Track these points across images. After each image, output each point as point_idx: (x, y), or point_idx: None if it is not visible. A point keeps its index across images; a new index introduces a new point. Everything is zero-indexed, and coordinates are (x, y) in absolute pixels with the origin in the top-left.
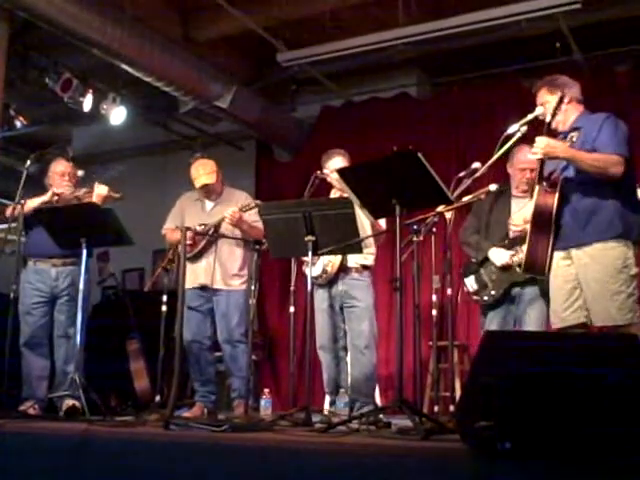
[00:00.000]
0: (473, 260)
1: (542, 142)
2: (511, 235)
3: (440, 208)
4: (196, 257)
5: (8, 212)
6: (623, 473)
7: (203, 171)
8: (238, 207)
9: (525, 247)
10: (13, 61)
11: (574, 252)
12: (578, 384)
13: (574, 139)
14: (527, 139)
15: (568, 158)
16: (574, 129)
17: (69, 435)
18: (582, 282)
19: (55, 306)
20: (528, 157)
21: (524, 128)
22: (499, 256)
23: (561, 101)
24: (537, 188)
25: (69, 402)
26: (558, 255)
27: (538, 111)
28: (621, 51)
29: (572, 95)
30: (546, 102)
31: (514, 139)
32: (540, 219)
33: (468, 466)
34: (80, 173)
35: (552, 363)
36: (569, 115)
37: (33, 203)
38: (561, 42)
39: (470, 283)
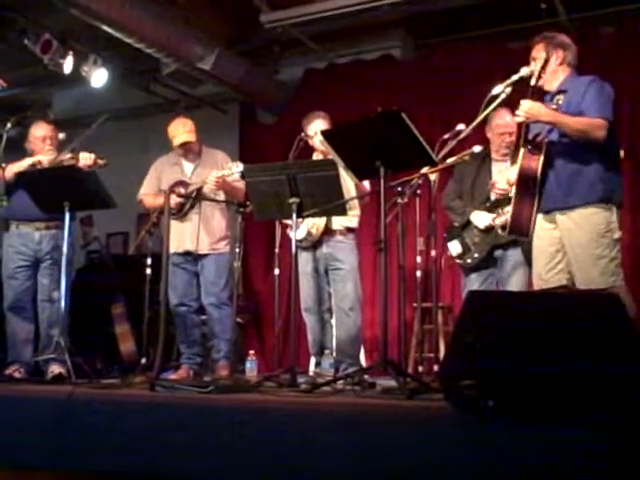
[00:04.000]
0: (456, 224)
1: (526, 105)
2: (493, 197)
3: (424, 170)
4: (181, 218)
5: None
6: (605, 429)
7: (183, 129)
8: (221, 173)
9: (510, 210)
10: None
11: (558, 217)
12: (561, 342)
13: (560, 102)
14: (511, 101)
15: (552, 122)
16: (560, 92)
17: (55, 398)
18: (566, 246)
19: (39, 270)
20: (507, 120)
21: (509, 89)
22: (481, 219)
23: (547, 62)
24: (522, 151)
25: (55, 369)
26: (541, 218)
27: (523, 72)
28: (607, 13)
29: (566, 57)
30: (537, 58)
31: (498, 100)
32: (525, 182)
33: (452, 424)
34: (62, 136)
35: (535, 322)
36: (558, 76)
37: (14, 169)
38: (547, 3)
39: (454, 247)
